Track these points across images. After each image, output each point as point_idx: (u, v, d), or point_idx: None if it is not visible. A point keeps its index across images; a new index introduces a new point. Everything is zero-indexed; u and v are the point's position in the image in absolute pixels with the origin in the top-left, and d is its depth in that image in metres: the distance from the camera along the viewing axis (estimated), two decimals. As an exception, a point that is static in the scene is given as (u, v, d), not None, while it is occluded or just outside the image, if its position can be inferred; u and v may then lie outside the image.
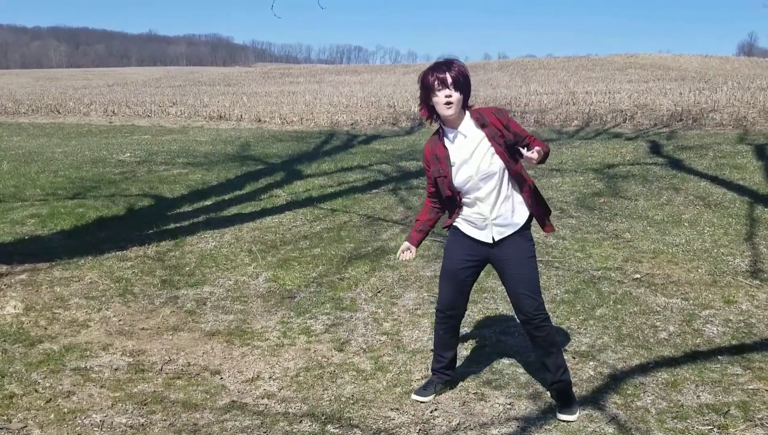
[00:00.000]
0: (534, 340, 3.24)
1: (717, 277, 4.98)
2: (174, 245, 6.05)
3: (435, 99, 2.99)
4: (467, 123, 3.06)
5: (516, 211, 3.13)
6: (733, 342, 3.95)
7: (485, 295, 4.72)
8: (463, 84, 2.98)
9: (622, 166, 9.36)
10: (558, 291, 4.77)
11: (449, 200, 3.18)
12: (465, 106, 3.06)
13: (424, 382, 3.53)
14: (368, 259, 5.55)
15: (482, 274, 5.06)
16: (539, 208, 3.21)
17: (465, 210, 3.18)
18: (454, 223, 3.25)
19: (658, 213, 6.75)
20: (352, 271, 5.29)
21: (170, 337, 4.22)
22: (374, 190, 8.24)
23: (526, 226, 3.17)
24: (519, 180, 3.12)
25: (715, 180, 8.17)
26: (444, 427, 3.15)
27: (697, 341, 3.97)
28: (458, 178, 3.08)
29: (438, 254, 5.58)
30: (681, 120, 14.78)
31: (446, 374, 3.48)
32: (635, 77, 28.95)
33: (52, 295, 4.91)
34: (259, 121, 18.62)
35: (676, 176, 8.51)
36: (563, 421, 3.15)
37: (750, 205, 6.95)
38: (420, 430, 3.14)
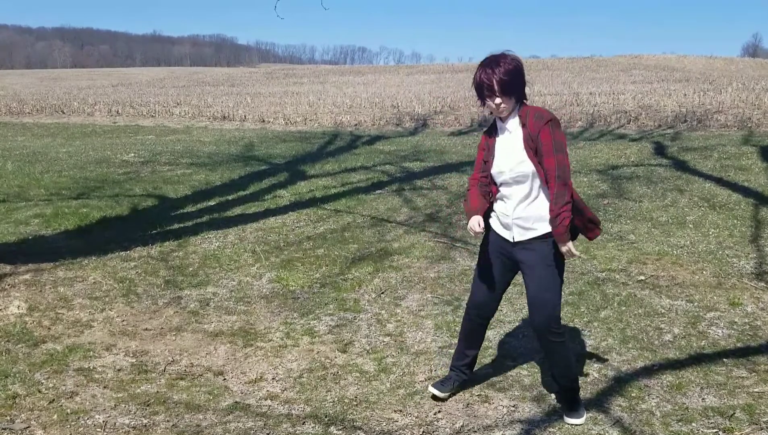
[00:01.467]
0: (544, 351, 3.23)
1: (722, 279, 4.96)
2: (177, 246, 6.05)
3: (487, 103, 2.98)
4: (514, 119, 3.03)
5: (542, 218, 3.03)
6: (738, 344, 3.93)
7: (489, 296, 4.70)
8: (512, 86, 2.93)
9: (626, 167, 9.34)
10: (562, 293, 4.74)
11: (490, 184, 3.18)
12: (521, 99, 3.02)
13: (441, 377, 3.51)
14: (372, 260, 5.54)
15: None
16: (577, 219, 3.09)
17: (497, 204, 3.17)
18: (489, 220, 3.24)
19: (663, 214, 6.73)
20: (356, 272, 5.28)
21: (173, 338, 4.22)
22: (378, 191, 8.24)
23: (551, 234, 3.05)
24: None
25: (719, 181, 8.14)
26: (447, 430, 3.14)
27: (702, 344, 3.95)
28: (494, 170, 3.08)
29: (442, 256, 5.57)
30: (685, 121, 14.75)
31: (465, 373, 3.45)
32: (639, 78, 28.91)
33: (56, 295, 4.91)
34: (263, 121, 18.63)
35: (681, 177, 8.48)
36: (571, 424, 3.14)
37: (755, 206, 6.92)
38: (423, 432, 3.13)
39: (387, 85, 30.32)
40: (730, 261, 5.33)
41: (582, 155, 10.50)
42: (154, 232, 6.51)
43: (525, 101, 3.04)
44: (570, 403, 3.21)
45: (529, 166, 2.98)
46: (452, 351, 3.91)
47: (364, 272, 5.26)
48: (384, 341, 4.10)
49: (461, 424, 3.18)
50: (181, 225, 6.77)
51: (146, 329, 4.35)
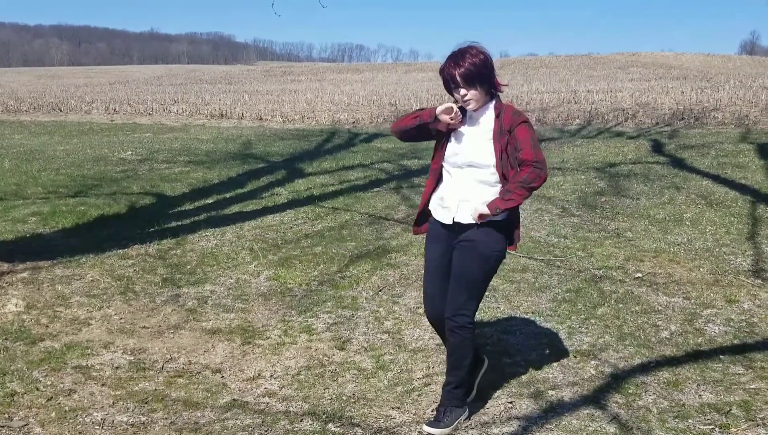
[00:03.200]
0: (446, 342, 3.16)
1: (719, 276, 4.97)
2: (175, 243, 6.05)
3: (455, 95, 2.97)
4: (487, 108, 3.00)
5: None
6: (735, 341, 3.94)
7: (486, 294, 4.71)
8: (477, 77, 2.89)
9: (623, 164, 9.35)
10: (559, 290, 4.76)
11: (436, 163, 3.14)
12: (492, 91, 2.98)
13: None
14: (370, 257, 5.54)
15: (484, 272, 5.04)
16: (512, 222, 3.08)
17: (442, 188, 3.10)
18: (430, 214, 3.18)
19: (660, 212, 6.74)
20: (354, 269, 5.29)
21: (171, 336, 4.22)
22: (376, 189, 8.24)
23: (500, 226, 3.03)
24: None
25: (717, 179, 8.16)
26: (445, 426, 3.15)
27: (699, 340, 3.96)
28: (449, 148, 3.04)
29: (439, 253, 5.57)
30: (683, 119, 14.76)
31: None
32: (637, 76, 28.92)
33: (54, 293, 4.91)
34: (261, 119, 18.62)
35: (678, 175, 8.50)
36: (426, 432, 3.07)
37: (752, 204, 6.94)
38: (421, 429, 3.13)
39: (385, 82, 30.31)
40: (727, 258, 5.35)
41: (579, 153, 10.52)
42: (152, 230, 6.50)
43: (498, 93, 3.01)
44: (443, 409, 3.12)
45: (488, 158, 2.95)
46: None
47: (362, 270, 5.26)
48: (382, 339, 4.11)
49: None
50: (179, 223, 6.77)
51: (144, 327, 4.36)
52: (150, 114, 20.57)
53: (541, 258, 5.40)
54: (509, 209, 2.98)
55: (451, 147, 3.04)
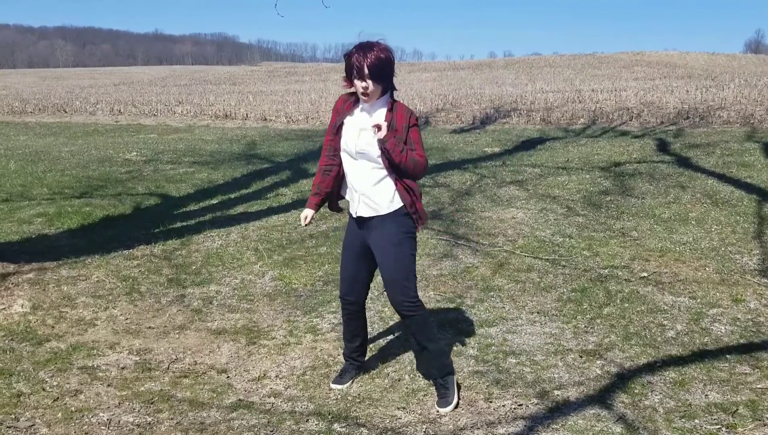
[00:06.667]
0: (407, 327, 3.36)
1: (725, 275, 4.96)
2: (180, 244, 6.06)
3: (355, 84, 3.07)
4: (380, 103, 3.12)
5: (388, 198, 3.16)
6: (741, 341, 3.93)
7: (491, 293, 4.71)
8: (381, 72, 3.01)
9: (628, 164, 9.33)
10: (565, 289, 4.75)
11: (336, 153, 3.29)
12: (389, 89, 3.11)
13: (339, 369, 3.64)
14: (374, 257, 5.54)
15: (488, 272, 5.05)
16: (410, 203, 3.20)
17: (346, 177, 3.27)
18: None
19: (665, 211, 6.73)
20: (358, 269, 5.28)
21: (177, 336, 4.23)
22: (380, 189, 8.23)
23: (401, 212, 3.17)
24: (398, 174, 3.14)
25: (722, 178, 8.13)
26: (450, 426, 3.15)
27: (705, 340, 3.95)
28: (343, 138, 3.19)
29: (445, 253, 5.58)
30: (688, 118, 14.72)
31: (357, 361, 3.61)
32: (641, 75, 28.86)
33: (59, 293, 4.92)
34: (265, 119, 18.64)
35: (683, 174, 8.47)
36: (441, 414, 3.24)
37: (758, 203, 6.91)
38: (426, 429, 3.13)
39: (389, 82, 30.25)
40: (733, 257, 5.33)
41: (584, 152, 10.50)
42: (157, 230, 6.52)
43: (395, 91, 3.15)
44: (441, 392, 3.31)
45: (377, 149, 3.09)
46: (454, 347, 3.93)
47: (367, 270, 5.25)
48: (387, 338, 4.11)
49: (464, 421, 3.19)
50: (184, 223, 6.78)
51: (150, 327, 4.37)
52: (155, 115, 20.62)
53: (547, 257, 5.39)
54: (396, 173, 3.12)
55: (345, 136, 3.19)
